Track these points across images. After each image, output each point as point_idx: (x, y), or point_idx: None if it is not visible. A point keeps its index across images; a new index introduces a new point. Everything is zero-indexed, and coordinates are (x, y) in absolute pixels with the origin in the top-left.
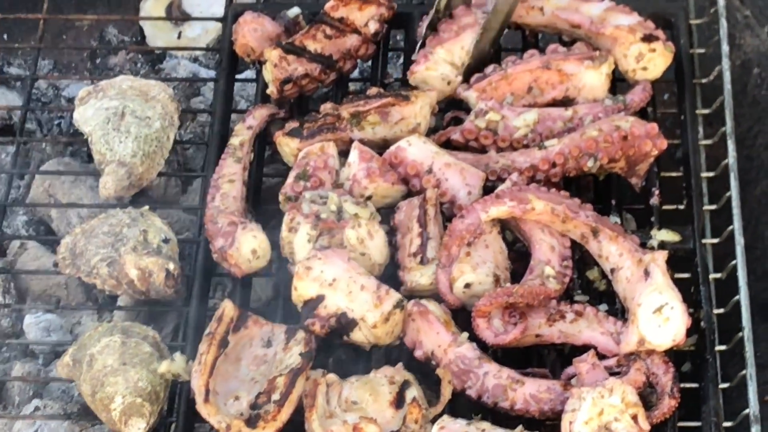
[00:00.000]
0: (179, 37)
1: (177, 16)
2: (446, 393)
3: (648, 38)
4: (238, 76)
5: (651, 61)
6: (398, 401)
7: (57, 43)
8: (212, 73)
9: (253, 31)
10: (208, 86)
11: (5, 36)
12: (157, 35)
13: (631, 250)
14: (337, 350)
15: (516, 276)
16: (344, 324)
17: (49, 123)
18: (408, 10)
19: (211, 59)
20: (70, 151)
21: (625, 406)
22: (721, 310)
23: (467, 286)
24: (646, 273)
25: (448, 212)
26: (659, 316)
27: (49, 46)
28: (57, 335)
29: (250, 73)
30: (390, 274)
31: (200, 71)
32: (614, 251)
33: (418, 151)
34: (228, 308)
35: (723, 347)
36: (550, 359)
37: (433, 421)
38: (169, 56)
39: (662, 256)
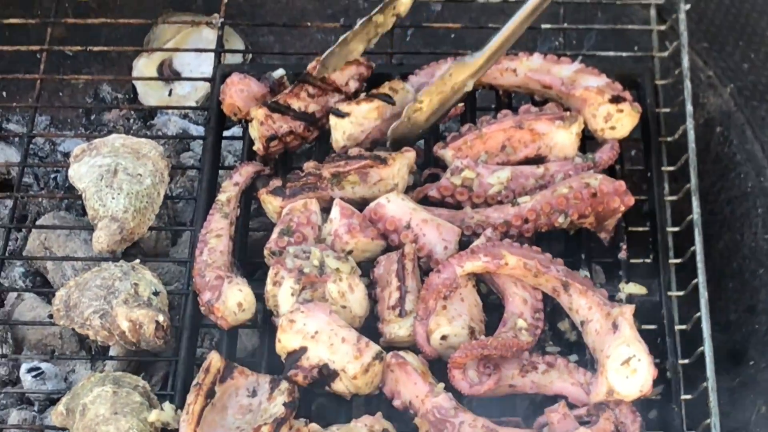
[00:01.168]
0: (170, 94)
1: (168, 75)
2: None
3: (616, 99)
4: (225, 134)
5: (619, 121)
6: None
7: (53, 100)
8: (201, 129)
9: (240, 92)
10: (198, 141)
11: (4, 94)
12: (149, 93)
13: (600, 303)
14: (319, 398)
15: (490, 326)
16: (326, 375)
17: (45, 177)
18: (387, 70)
19: (200, 115)
20: (65, 204)
21: None
22: (686, 361)
23: (444, 338)
24: (615, 326)
25: (426, 266)
26: (627, 368)
27: (45, 105)
28: (52, 383)
29: (237, 130)
30: (370, 326)
31: (190, 127)
32: (584, 305)
33: (396, 207)
34: (215, 360)
35: (688, 396)
36: (523, 409)
37: None
38: (160, 113)
39: (629, 309)
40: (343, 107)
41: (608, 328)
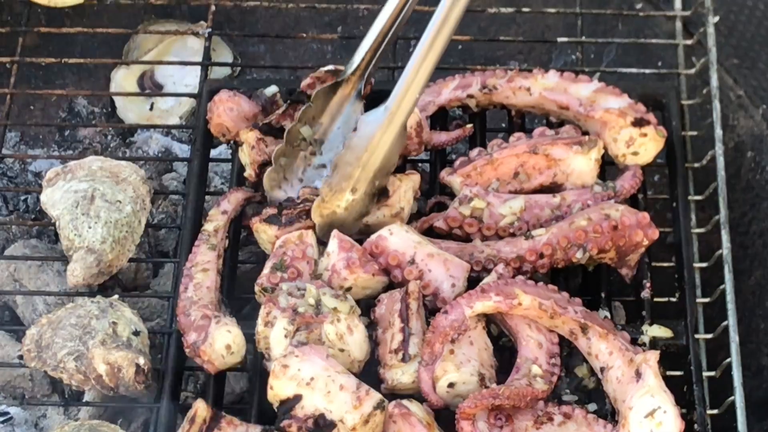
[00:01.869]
0: (151, 108)
1: (149, 88)
2: None
3: (639, 122)
4: (213, 154)
5: (642, 146)
6: None
7: (24, 116)
8: (186, 147)
9: (229, 111)
10: (182, 162)
11: None
12: (129, 107)
13: (622, 348)
14: None
15: (501, 371)
16: (322, 426)
17: (14, 199)
18: (389, 87)
19: (185, 132)
20: (36, 230)
21: None
22: (716, 411)
23: (451, 385)
24: (638, 374)
25: (431, 305)
26: (651, 421)
27: (15, 122)
28: (21, 430)
29: (224, 150)
30: (370, 371)
31: (173, 145)
32: (604, 349)
33: (399, 240)
34: (200, 408)
35: None
36: None
37: None
38: (141, 129)
39: (654, 356)
40: None
41: (631, 376)
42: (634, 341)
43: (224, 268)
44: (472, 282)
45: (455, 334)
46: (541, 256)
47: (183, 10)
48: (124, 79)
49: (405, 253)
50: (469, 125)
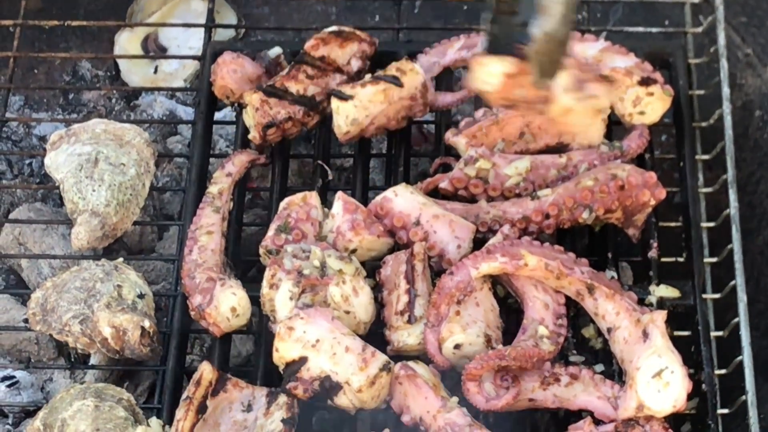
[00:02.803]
0: (155, 71)
1: (153, 51)
2: None
3: (645, 81)
4: (216, 115)
5: (649, 105)
6: None
7: (28, 79)
8: (190, 111)
9: (233, 73)
10: (187, 125)
11: None
12: (133, 70)
13: (629, 309)
14: (321, 413)
15: (508, 332)
16: (328, 388)
17: (19, 163)
18: (393, 48)
19: (189, 95)
20: (41, 194)
21: None
22: (723, 371)
23: (457, 347)
24: (645, 334)
25: (437, 266)
26: (659, 381)
27: (19, 85)
28: (27, 394)
29: (229, 112)
30: (376, 333)
31: (177, 108)
32: (611, 310)
33: (404, 202)
34: (206, 371)
35: (725, 411)
36: (544, 422)
37: None
38: (145, 92)
39: (661, 316)
40: (346, 89)
41: (638, 336)
42: (641, 301)
43: (229, 230)
44: (478, 243)
45: (461, 295)
46: (547, 216)
47: None
48: (128, 41)
49: (410, 215)
50: None
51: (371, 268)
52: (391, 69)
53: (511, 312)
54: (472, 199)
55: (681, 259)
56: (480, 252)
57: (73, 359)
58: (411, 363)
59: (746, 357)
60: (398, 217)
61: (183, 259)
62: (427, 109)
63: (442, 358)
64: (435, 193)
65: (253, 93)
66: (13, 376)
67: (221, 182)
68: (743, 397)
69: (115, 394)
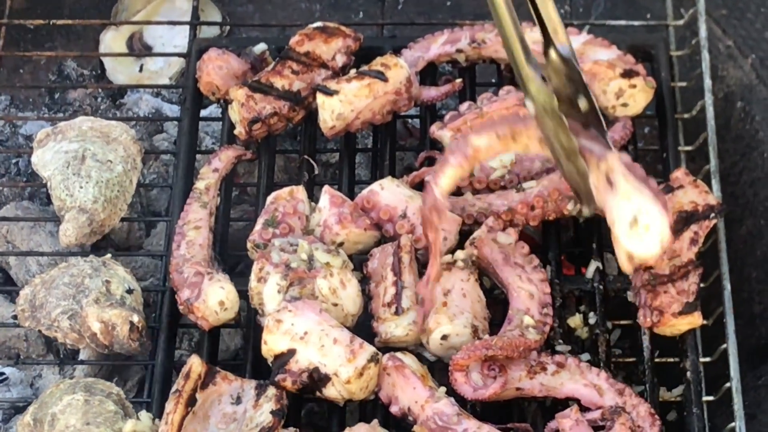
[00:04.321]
0: (141, 70)
1: (138, 49)
2: None
3: (628, 74)
4: (202, 113)
5: (631, 97)
6: None
7: (13, 79)
8: (176, 108)
9: (218, 69)
10: (172, 122)
11: None
12: (118, 68)
13: (587, 149)
14: (310, 404)
15: (495, 323)
16: (317, 379)
17: (6, 162)
18: (377, 43)
19: (175, 93)
20: (29, 193)
21: None
22: (708, 359)
23: (444, 337)
24: (610, 182)
25: (424, 259)
26: (637, 228)
27: (5, 84)
28: (17, 390)
29: (215, 109)
30: (364, 325)
31: (163, 106)
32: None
33: (391, 195)
34: (195, 364)
35: (710, 398)
36: (531, 411)
37: None
38: (130, 91)
39: (616, 158)
40: (332, 84)
41: (605, 184)
42: (625, 290)
43: (216, 225)
44: (464, 235)
45: (438, 217)
46: (533, 208)
47: None
48: (113, 40)
49: (397, 207)
50: (459, 80)
51: (358, 260)
52: (376, 64)
53: (498, 303)
54: (458, 192)
55: None
56: (435, 167)
57: (62, 355)
58: (399, 354)
59: (731, 345)
60: (385, 209)
61: (171, 254)
62: (412, 104)
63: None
64: (421, 187)
65: (239, 89)
66: (3, 373)
67: (208, 178)
68: (728, 385)
69: (104, 388)
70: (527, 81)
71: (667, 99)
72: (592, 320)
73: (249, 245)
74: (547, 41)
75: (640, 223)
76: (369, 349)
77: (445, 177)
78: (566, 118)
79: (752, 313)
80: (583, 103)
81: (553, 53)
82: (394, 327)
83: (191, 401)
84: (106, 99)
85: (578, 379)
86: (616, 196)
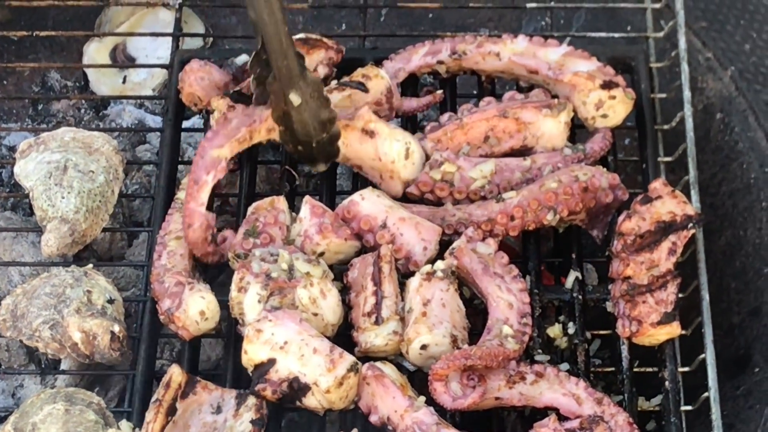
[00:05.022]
0: (124, 81)
1: (122, 61)
2: None
3: (608, 85)
4: (185, 124)
5: (611, 108)
6: None
7: None
8: (158, 119)
9: (200, 80)
10: (155, 133)
11: None
12: (101, 80)
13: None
14: (290, 414)
15: (474, 333)
16: (297, 389)
17: None
18: (359, 54)
19: (158, 104)
20: (11, 203)
21: None
22: (687, 369)
23: (424, 347)
24: (368, 132)
25: (403, 269)
26: (411, 156)
27: None
28: None
29: (197, 120)
30: (344, 335)
31: (146, 117)
32: None
33: (371, 205)
34: (175, 374)
35: (689, 407)
36: (510, 420)
37: None
38: (113, 102)
39: (366, 110)
40: None
41: (360, 135)
42: (603, 300)
43: None
44: (444, 245)
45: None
46: (512, 218)
47: None
48: (96, 52)
49: (377, 218)
50: (440, 91)
51: (339, 270)
52: (357, 75)
53: (477, 313)
54: (439, 202)
55: None
56: (187, 190)
57: (43, 365)
58: (378, 363)
59: (709, 355)
60: (365, 220)
61: (152, 264)
62: (393, 114)
63: None
64: (402, 198)
65: (220, 99)
66: None
67: None
68: (706, 394)
69: (85, 398)
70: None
71: (646, 110)
72: (571, 330)
73: (230, 255)
74: None
75: (411, 150)
76: (349, 359)
77: (203, 193)
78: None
79: (731, 324)
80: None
81: None
82: (373, 336)
83: (171, 411)
84: (90, 110)
85: (557, 389)
86: (384, 140)
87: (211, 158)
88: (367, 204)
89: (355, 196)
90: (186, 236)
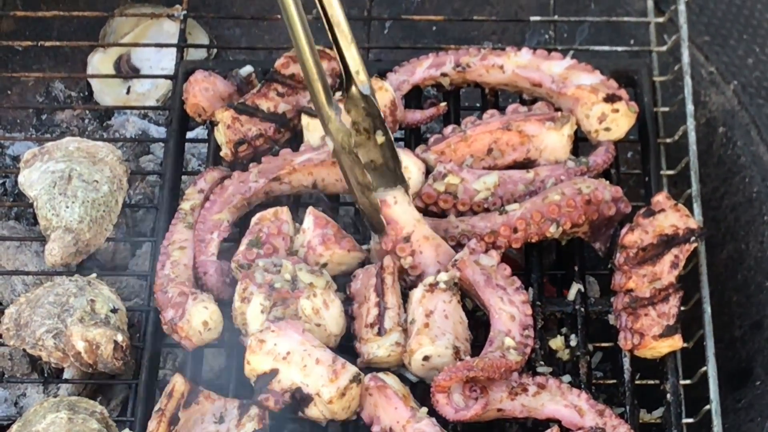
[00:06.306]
0: (128, 92)
1: (126, 71)
2: None
3: (611, 98)
4: (189, 135)
5: (614, 121)
6: None
7: (1, 100)
8: (162, 130)
9: (204, 91)
10: (158, 144)
11: None
12: (105, 90)
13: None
14: (292, 424)
15: (476, 345)
16: (299, 399)
17: None
18: None
19: (161, 115)
20: (15, 213)
21: None
22: (688, 381)
23: (426, 358)
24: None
25: (408, 282)
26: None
27: None
28: (1, 408)
29: (201, 131)
30: (346, 346)
31: (150, 128)
32: None
33: (402, 213)
34: (178, 383)
35: (690, 420)
36: None
37: None
38: (117, 113)
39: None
40: None
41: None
42: (606, 313)
43: None
44: None
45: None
46: (515, 230)
47: None
48: (100, 62)
49: (404, 229)
50: (443, 104)
51: (342, 281)
52: None
53: (480, 324)
54: (442, 214)
55: None
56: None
57: (46, 374)
58: (381, 374)
59: (711, 368)
60: (392, 225)
61: (156, 274)
62: (397, 127)
63: None
64: None
65: (225, 110)
66: None
67: (193, 198)
68: (707, 407)
69: (88, 407)
70: (327, 121)
71: (649, 124)
72: (573, 342)
73: (233, 265)
74: (349, 80)
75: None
76: (351, 370)
77: (211, 248)
78: (362, 149)
79: (732, 337)
80: (380, 137)
81: (354, 90)
82: (376, 348)
83: (174, 420)
84: (94, 120)
85: (559, 400)
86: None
87: (213, 222)
88: (399, 210)
89: (388, 197)
90: (204, 283)
